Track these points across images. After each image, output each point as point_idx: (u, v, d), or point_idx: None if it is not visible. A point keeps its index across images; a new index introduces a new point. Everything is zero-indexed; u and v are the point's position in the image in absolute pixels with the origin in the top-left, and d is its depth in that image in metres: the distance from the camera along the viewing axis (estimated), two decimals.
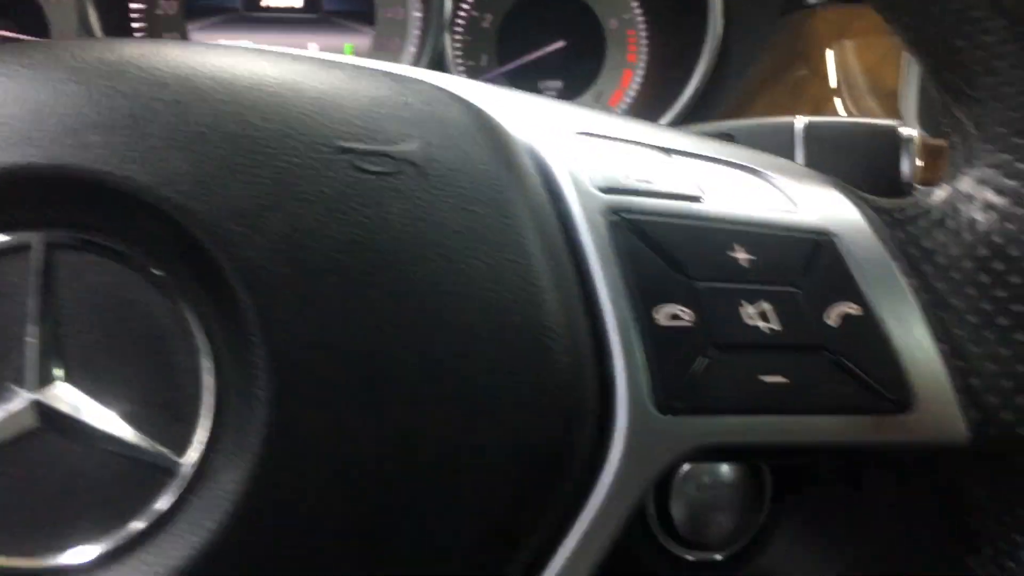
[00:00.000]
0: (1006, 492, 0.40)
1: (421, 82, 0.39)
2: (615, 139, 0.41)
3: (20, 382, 0.32)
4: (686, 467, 0.79)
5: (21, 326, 0.32)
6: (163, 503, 0.32)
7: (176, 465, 0.32)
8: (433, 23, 0.96)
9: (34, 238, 0.33)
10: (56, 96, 0.33)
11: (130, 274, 0.33)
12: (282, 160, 0.34)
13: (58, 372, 0.32)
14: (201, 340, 0.33)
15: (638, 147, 0.41)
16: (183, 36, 1.00)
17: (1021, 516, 0.40)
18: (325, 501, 0.32)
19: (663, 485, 0.78)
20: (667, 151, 0.41)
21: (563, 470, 0.35)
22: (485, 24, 1.01)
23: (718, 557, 0.77)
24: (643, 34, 1.03)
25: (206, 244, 0.32)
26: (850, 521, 0.75)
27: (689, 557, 0.76)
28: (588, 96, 1.05)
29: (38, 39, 0.35)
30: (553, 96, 1.05)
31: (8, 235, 0.33)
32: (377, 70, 0.39)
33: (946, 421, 0.39)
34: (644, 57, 1.03)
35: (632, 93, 1.04)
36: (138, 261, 0.33)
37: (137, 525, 0.32)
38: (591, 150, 0.40)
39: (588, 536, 0.36)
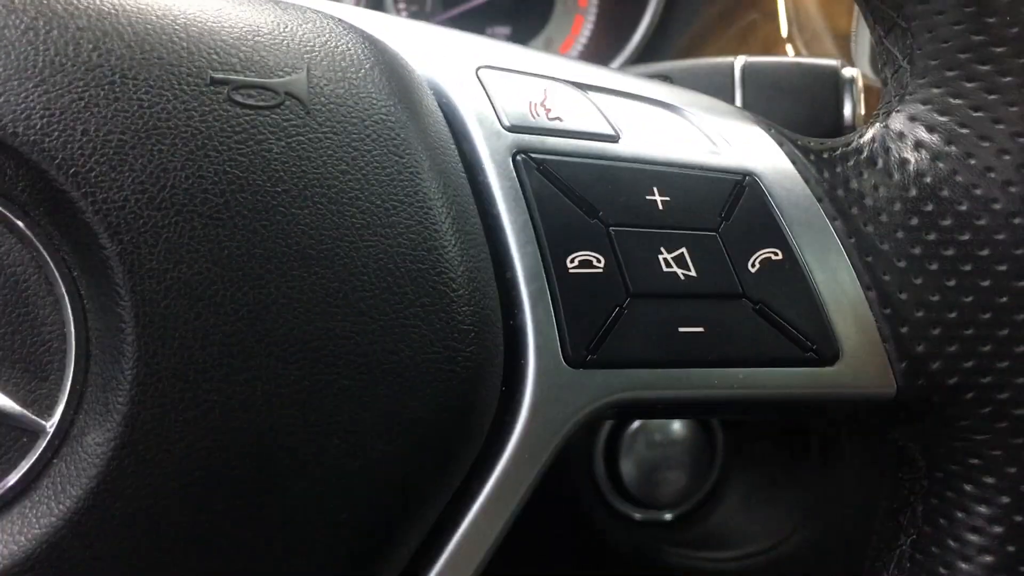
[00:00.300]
0: (937, 447, 0.38)
1: (309, 10, 0.36)
2: (526, 73, 0.38)
3: None
4: (635, 424, 0.78)
5: None
6: (25, 467, 0.30)
7: (39, 427, 0.30)
8: None
9: None
10: None
11: None
12: (147, 92, 0.31)
13: None
14: (62, 291, 0.30)
15: (551, 82, 0.38)
16: None
17: (953, 472, 0.38)
18: (200, 462, 0.30)
19: (612, 443, 0.77)
20: (582, 87, 0.38)
21: (466, 429, 0.33)
22: None
23: (667, 517, 0.76)
24: None
25: (63, 185, 0.30)
26: (799, 479, 0.74)
27: (637, 516, 0.75)
28: (538, 42, 1.02)
29: None
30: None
31: None
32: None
33: (874, 372, 0.37)
34: (595, 2, 1.00)
35: (583, 39, 1.00)
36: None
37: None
38: (499, 85, 0.37)
39: (494, 498, 0.34)
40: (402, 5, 0.97)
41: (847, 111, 0.55)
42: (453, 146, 0.35)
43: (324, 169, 0.32)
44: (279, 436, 0.30)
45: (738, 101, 0.55)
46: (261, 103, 0.32)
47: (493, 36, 1.01)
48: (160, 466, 0.29)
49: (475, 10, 1.00)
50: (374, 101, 0.34)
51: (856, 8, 0.81)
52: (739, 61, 0.55)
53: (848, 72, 0.56)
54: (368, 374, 0.31)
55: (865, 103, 0.57)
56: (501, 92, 0.37)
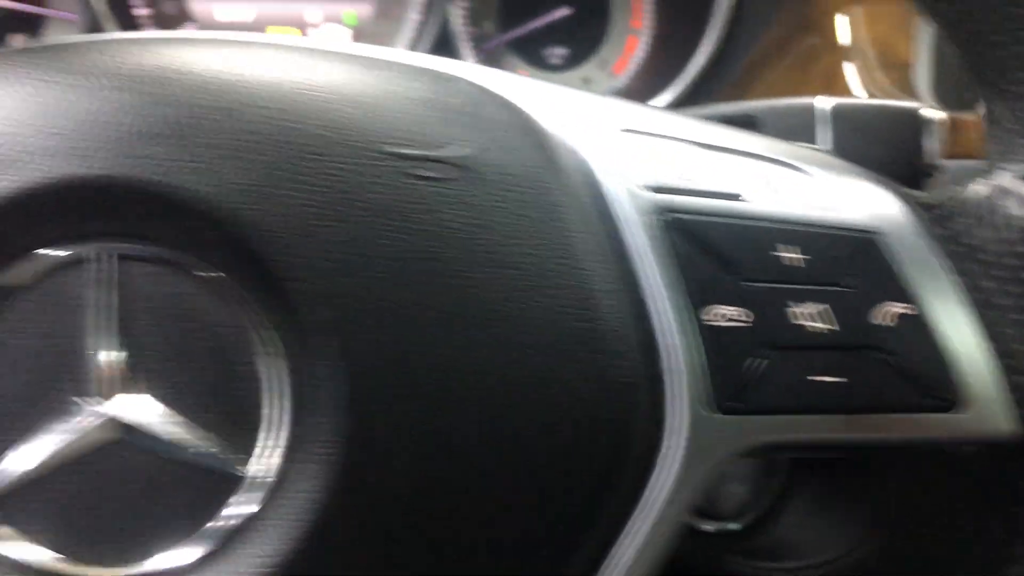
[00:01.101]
0: None
1: (461, 80, 0.39)
2: (657, 135, 0.41)
3: (88, 395, 0.32)
4: None
5: (80, 340, 0.32)
6: (240, 514, 0.32)
7: (252, 475, 0.33)
8: None
9: (91, 251, 0.33)
10: (101, 105, 0.33)
11: (191, 284, 0.33)
12: (333, 167, 0.33)
13: (128, 384, 0.32)
14: (273, 350, 0.33)
15: (679, 143, 0.41)
16: (181, 3, 0.99)
17: None
18: (402, 508, 0.32)
19: None
20: (707, 147, 0.41)
21: (620, 480, 0.36)
22: None
23: (733, 527, 0.79)
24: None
25: (265, 255, 0.32)
26: (865, 492, 0.76)
27: (708, 527, 0.77)
28: (592, 64, 1.04)
29: (66, 40, 0.35)
30: (558, 63, 1.04)
31: (65, 249, 0.32)
32: (418, 68, 0.39)
33: (994, 419, 0.39)
34: (650, 23, 1.02)
35: (638, 60, 1.03)
36: (197, 271, 0.33)
37: (214, 539, 0.32)
38: (635, 148, 0.40)
39: (649, 536, 0.36)
40: (464, 30, 0.99)
41: (928, 149, 0.58)
42: (599, 207, 0.38)
43: (492, 236, 0.34)
44: (467, 488, 0.33)
45: (825, 140, 0.57)
46: (432, 175, 0.35)
47: (550, 57, 1.04)
48: (369, 513, 0.32)
49: (532, 33, 1.02)
50: (530, 169, 0.36)
51: (914, 37, 0.83)
52: (825, 103, 0.58)
53: (928, 113, 0.58)
54: (536, 430, 0.34)
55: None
56: (639, 154, 0.39)
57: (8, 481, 0.32)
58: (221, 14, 1.00)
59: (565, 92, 0.42)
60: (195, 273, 0.33)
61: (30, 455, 0.32)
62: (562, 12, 1.02)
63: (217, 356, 0.33)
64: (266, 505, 0.32)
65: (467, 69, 0.40)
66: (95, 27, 0.91)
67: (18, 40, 0.95)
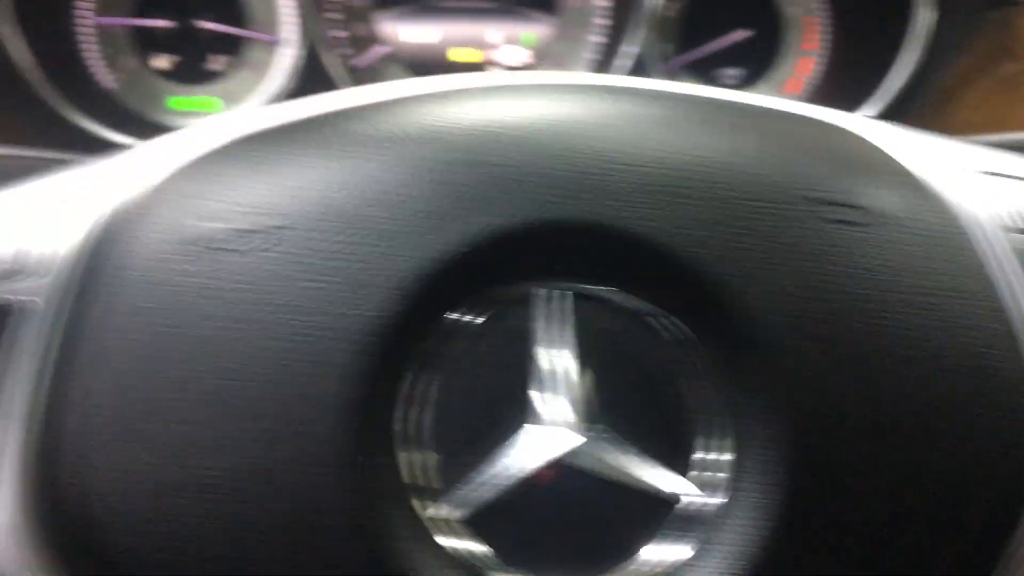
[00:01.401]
0: None
1: (834, 126, 0.41)
2: (1016, 177, 0.42)
3: (543, 422, 0.35)
4: None
5: (535, 371, 0.35)
6: (692, 543, 0.35)
7: (704, 505, 0.35)
8: (630, 15, 0.97)
9: (548, 289, 0.35)
10: (552, 151, 0.35)
11: (636, 321, 0.35)
12: (769, 213, 0.36)
13: (581, 413, 0.35)
14: (715, 385, 0.35)
15: None
16: (370, 25, 1.02)
17: None
18: (840, 538, 0.34)
19: None
20: None
21: (1013, 505, 0.37)
22: (670, 13, 1.02)
23: None
24: (825, 21, 1.04)
25: (714, 296, 0.35)
26: None
27: None
28: (764, 84, 1.06)
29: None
30: (731, 83, 1.06)
31: (523, 286, 0.35)
32: (787, 113, 0.41)
33: None
34: (826, 45, 1.04)
35: (813, 81, 1.04)
36: (643, 309, 0.35)
37: (670, 561, 0.35)
38: (999, 190, 0.41)
39: None
40: (648, 51, 1.01)
41: None
42: (975, 248, 0.39)
43: (904, 278, 0.36)
44: (889, 516, 0.35)
45: None
46: (852, 219, 0.36)
47: (723, 78, 1.06)
48: (810, 548, 0.34)
49: (708, 55, 1.04)
50: (916, 212, 0.38)
51: None
52: None
53: None
54: (949, 459, 0.36)
55: None
56: (1004, 196, 0.41)
57: (479, 503, 0.34)
58: (407, 35, 1.03)
59: (915, 135, 0.44)
60: (641, 311, 0.35)
61: (495, 478, 0.34)
62: (741, 34, 1.03)
63: (660, 389, 0.35)
64: (712, 529, 0.34)
65: (835, 116, 0.42)
66: (312, 51, 0.95)
67: (220, 61, 0.99)
